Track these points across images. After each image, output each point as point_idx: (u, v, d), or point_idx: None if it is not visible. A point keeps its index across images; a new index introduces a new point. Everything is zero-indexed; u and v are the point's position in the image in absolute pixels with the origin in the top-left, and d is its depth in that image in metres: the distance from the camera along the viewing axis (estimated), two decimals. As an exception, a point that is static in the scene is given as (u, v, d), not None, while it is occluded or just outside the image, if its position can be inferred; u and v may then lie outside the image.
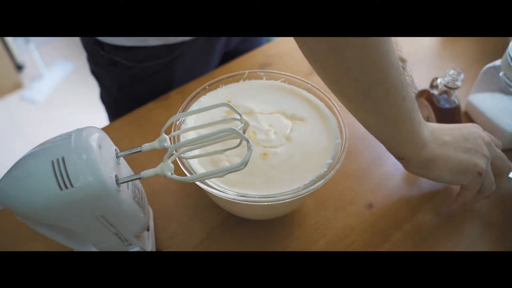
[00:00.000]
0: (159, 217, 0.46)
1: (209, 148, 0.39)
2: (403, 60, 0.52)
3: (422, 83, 0.63)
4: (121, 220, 0.33)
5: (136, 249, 0.38)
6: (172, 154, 0.32)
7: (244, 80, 0.47)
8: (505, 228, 0.46)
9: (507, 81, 0.49)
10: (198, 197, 0.48)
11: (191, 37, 0.60)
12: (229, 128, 0.31)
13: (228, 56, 0.71)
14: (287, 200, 0.36)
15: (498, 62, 0.51)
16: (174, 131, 0.41)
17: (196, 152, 0.39)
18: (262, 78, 0.48)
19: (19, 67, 1.79)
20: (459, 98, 0.60)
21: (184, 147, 0.34)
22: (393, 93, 0.36)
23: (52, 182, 0.28)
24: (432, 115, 0.50)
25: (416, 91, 0.53)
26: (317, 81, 0.62)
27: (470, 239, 0.45)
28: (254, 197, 0.36)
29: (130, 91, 0.65)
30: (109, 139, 0.34)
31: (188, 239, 0.45)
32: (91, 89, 1.13)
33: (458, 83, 0.48)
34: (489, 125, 0.54)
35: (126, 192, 0.33)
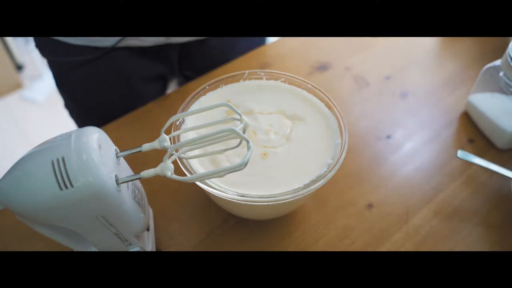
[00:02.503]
0: (159, 217, 0.46)
1: (209, 148, 0.39)
2: None
3: (422, 83, 0.63)
4: (121, 220, 0.33)
5: (136, 249, 0.38)
6: (172, 154, 0.32)
7: (244, 80, 0.47)
8: (505, 228, 0.46)
9: (507, 81, 0.49)
10: (198, 197, 0.48)
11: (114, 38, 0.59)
12: (229, 128, 0.31)
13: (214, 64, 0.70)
14: (287, 200, 0.36)
15: (498, 62, 0.51)
16: (174, 131, 0.41)
17: (196, 152, 0.39)
18: (262, 78, 0.48)
19: (19, 67, 1.79)
20: (459, 98, 0.60)
21: (184, 147, 0.34)
22: None
23: (52, 182, 0.28)
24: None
25: None
26: (317, 81, 0.63)
27: (470, 239, 0.45)
28: (254, 197, 0.36)
29: (67, 88, 0.65)
30: (109, 139, 0.34)
31: (188, 239, 0.45)
32: (91, 89, 1.12)
33: None
34: (489, 125, 0.54)
35: (126, 192, 0.33)
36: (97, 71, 0.62)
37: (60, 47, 0.59)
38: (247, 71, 0.47)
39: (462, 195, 0.49)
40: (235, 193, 0.37)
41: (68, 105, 0.69)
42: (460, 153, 0.48)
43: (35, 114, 1.65)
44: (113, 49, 0.59)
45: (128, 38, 0.58)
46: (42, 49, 0.62)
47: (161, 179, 0.48)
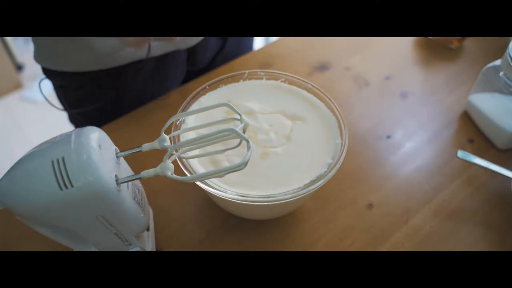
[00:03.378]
0: (159, 217, 0.46)
1: (209, 148, 0.39)
2: None
3: (422, 83, 0.63)
4: (121, 220, 0.33)
5: (136, 249, 0.38)
6: (172, 154, 0.32)
7: (244, 80, 0.47)
8: (504, 228, 0.46)
9: (507, 81, 0.49)
10: (198, 197, 0.48)
11: (137, 60, 0.58)
12: (229, 128, 0.31)
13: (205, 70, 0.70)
14: (287, 200, 0.36)
15: (498, 62, 0.51)
16: (174, 131, 0.41)
17: (196, 152, 0.39)
18: (262, 78, 0.48)
19: (19, 67, 1.79)
20: (459, 98, 0.60)
21: (184, 147, 0.34)
22: None
23: (52, 182, 0.28)
24: None
25: None
26: (317, 81, 0.63)
27: (470, 239, 0.45)
28: (254, 197, 0.36)
29: (83, 111, 0.63)
30: (109, 139, 0.34)
31: (188, 239, 0.45)
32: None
33: None
34: (489, 125, 0.54)
35: (126, 192, 0.33)
36: (109, 92, 0.61)
37: (70, 77, 0.58)
38: (247, 71, 0.47)
39: (462, 195, 0.49)
40: (235, 193, 0.37)
41: (74, 117, 0.68)
42: (460, 153, 0.48)
43: (35, 114, 1.65)
44: (125, 66, 0.58)
45: (139, 51, 0.57)
46: (52, 77, 0.61)
47: (161, 179, 0.48)
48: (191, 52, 0.66)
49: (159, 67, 0.62)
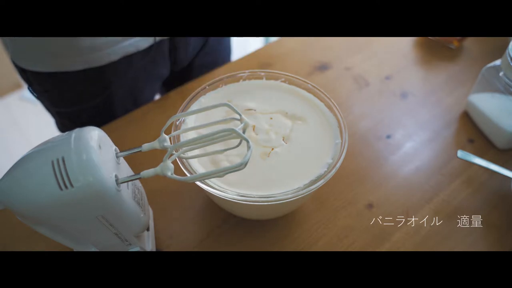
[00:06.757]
0: (159, 217, 0.46)
1: (209, 148, 0.39)
2: None
3: (422, 83, 0.63)
4: (121, 220, 0.33)
5: (136, 249, 0.38)
6: (172, 154, 0.32)
7: (244, 80, 0.47)
8: (504, 228, 0.46)
9: (507, 81, 0.49)
10: (198, 197, 0.48)
11: (121, 58, 0.57)
12: (229, 128, 0.31)
13: (192, 71, 0.70)
14: (287, 200, 0.36)
15: (498, 62, 0.51)
16: (174, 131, 0.41)
17: (196, 152, 0.39)
18: (262, 78, 0.48)
19: (19, 67, 1.79)
20: (459, 98, 0.60)
21: (184, 147, 0.34)
22: None
23: (52, 182, 0.28)
24: None
25: None
26: (317, 81, 0.63)
27: (470, 239, 0.45)
28: (254, 197, 0.36)
29: (72, 116, 0.62)
30: (109, 139, 0.34)
31: (188, 239, 0.45)
32: (91, 89, 1.12)
33: None
34: (489, 125, 0.54)
35: (126, 192, 0.33)
36: (98, 94, 0.60)
37: (59, 77, 0.56)
38: (247, 71, 0.47)
39: (462, 195, 0.49)
40: (235, 193, 0.37)
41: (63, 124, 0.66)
42: (460, 153, 0.48)
43: (35, 114, 1.65)
44: (114, 64, 0.57)
45: (126, 46, 0.56)
46: (37, 83, 0.59)
47: (161, 179, 0.48)
48: (172, 48, 0.64)
49: (145, 66, 0.61)
